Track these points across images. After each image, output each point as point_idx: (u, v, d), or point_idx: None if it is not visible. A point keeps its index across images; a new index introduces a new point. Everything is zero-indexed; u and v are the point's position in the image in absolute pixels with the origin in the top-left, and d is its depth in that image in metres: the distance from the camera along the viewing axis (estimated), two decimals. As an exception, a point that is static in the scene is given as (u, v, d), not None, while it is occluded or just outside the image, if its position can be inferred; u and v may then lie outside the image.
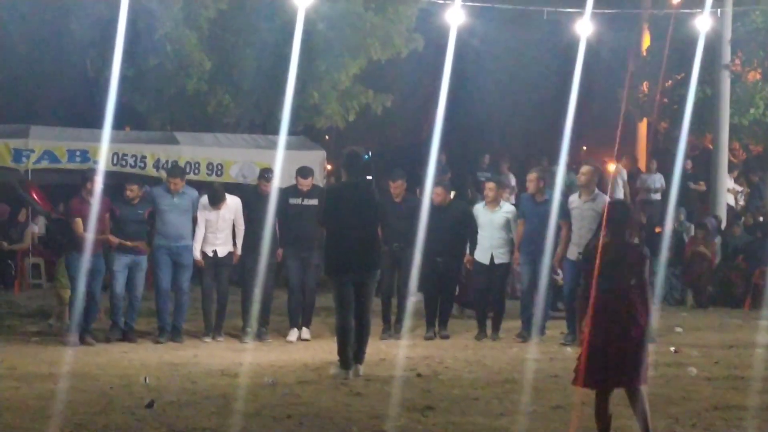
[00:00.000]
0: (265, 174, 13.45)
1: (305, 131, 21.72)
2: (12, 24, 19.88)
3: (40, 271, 18.25)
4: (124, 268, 12.87)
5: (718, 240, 19.01)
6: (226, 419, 8.59)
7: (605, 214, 8.00)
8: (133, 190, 12.96)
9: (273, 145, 17.06)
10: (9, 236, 18.30)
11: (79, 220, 12.58)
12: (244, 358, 11.56)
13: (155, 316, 13.34)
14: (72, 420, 8.47)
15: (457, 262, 13.74)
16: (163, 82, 20.29)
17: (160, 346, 12.64)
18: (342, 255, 10.71)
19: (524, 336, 13.38)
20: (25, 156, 17.25)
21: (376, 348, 12.00)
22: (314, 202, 12.96)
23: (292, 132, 19.28)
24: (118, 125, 18.26)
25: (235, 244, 13.23)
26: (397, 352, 12.08)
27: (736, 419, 8.69)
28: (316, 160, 18.24)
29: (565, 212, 13.17)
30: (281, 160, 14.98)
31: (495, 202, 13.61)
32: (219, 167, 18.17)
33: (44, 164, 17.41)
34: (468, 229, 13.58)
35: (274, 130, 18.71)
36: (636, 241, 7.95)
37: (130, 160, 17.53)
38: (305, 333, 13.33)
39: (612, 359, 7.54)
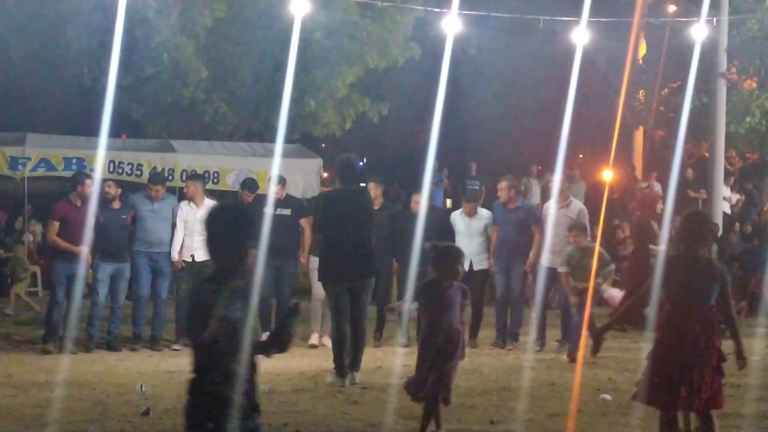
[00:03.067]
0: (249, 185, 13.51)
1: (302, 139, 21.75)
2: (9, 32, 19.90)
3: (36, 279, 18.22)
4: (107, 276, 12.76)
5: (714, 248, 19.01)
6: (222, 427, 8.58)
7: (680, 224, 7.68)
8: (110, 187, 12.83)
9: (270, 153, 17.08)
10: (5, 244, 18.29)
11: (56, 224, 12.48)
12: (240, 366, 11.53)
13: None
14: (68, 428, 8.47)
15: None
16: (159, 90, 20.32)
17: (156, 354, 12.62)
18: (336, 262, 10.72)
19: (499, 344, 13.41)
20: (21, 164, 17.25)
21: (372, 356, 12.01)
22: (287, 211, 13.01)
23: (288, 140, 19.31)
24: (114, 133, 18.25)
25: None
26: (394, 359, 12.07)
27: (733, 427, 8.69)
28: (313, 168, 18.27)
29: (537, 218, 13.33)
30: (278, 169, 14.99)
31: (472, 211, 13.65)
32: (216, 175, 18.19)
33: (41, 172, 17.43)
34: (447, 238, 13.51)
35: (271, 139, 18.73)
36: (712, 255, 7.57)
37: (127, 168, 17.54)
38: None
39: (685, 381, 7.19)
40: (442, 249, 8.70)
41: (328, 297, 11.11)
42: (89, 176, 12.82)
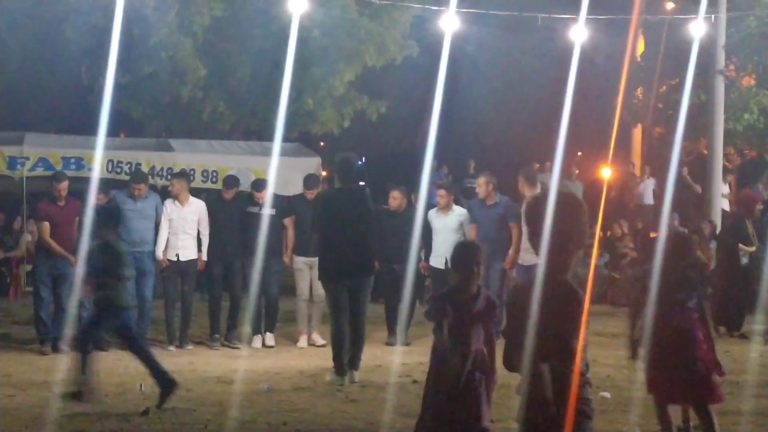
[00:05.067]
0: (228, 181, 13.49)
1: (300, 138, 21.74)
2: (7, 31, 19.88)
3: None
4: None
5: (713, 245, 19.01)
6: (221, 426, 8.59)
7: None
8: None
9: (268, 152, 17.04)
10: (4, 243, 18.29)
11: (45, 224, 12.48)
12: (239, 365, 11.56)
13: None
14: (67, 428, 8.48)
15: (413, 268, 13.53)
16: (157, 89, 20.31)
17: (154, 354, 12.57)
18: (336, 261, 10.72)
19: None
20: (19, 163, 17.21)
21: (371, 354, 12.00)
22: (272, 211, 13.00)
23: (287, 139, 19.30)
24: (113, 132, 18.21)
25: (200, 250, 13.13)
26: (393, 358, 12.08)
27: (732, 424, 8.69)
28: (312, 166, 18.24)
29: (516, 215, 13.11)
30: (276, 167, 14.97)
31: (448, 207, 13.58)
32: (214, 174, 18.15)
33: (39, 172, 17.34)
34: (423, 236, 13.35)
35: (270, 137, 18.70)
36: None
37: (125, 167, 17.48)
38: (269, 339, 13.27)
39: (676, 376, 7.69)
40: (459, 245, 7.20)
41: (327, 295, 11.11)
42: (61, 179, 12.72)
